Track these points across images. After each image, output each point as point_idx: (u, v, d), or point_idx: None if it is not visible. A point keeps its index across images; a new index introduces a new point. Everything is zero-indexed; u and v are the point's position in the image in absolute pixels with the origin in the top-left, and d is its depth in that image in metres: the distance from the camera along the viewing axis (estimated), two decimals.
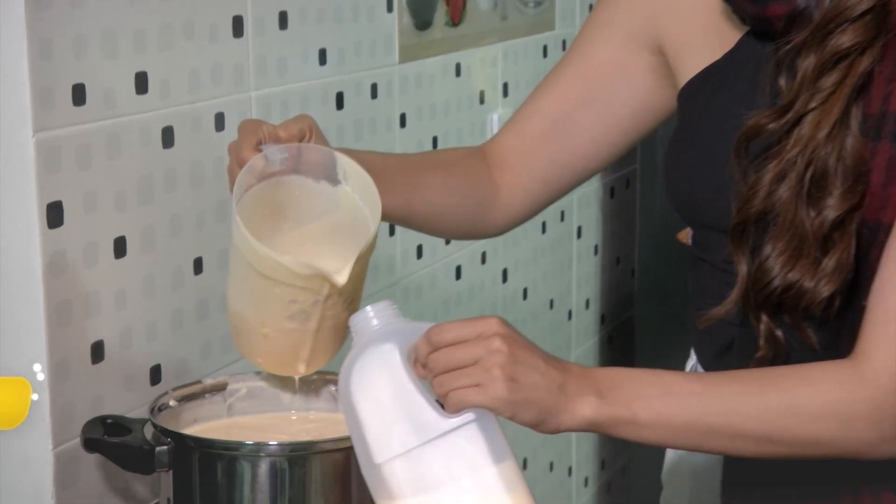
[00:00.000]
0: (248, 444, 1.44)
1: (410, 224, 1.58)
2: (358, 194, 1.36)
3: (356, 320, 1.26)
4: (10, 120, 1.51)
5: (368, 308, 1.27)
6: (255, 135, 1.35)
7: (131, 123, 1.66)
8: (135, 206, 1.67)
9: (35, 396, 1.37)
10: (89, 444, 1.51)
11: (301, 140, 1.37)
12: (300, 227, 1.43)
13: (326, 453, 1.42)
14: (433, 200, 1.52)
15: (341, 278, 1.35)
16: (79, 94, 1.57)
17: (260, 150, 1.37)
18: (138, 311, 1.68)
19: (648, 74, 1.60)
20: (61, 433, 1.56)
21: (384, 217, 1.41)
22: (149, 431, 1.48)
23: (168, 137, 1.72)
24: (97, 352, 1.62)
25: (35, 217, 1.52)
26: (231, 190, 1.39)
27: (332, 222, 1.40)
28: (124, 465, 1.50)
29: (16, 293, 1.54)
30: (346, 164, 1.37)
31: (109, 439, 1.49)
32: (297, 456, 1.43)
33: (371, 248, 1.39)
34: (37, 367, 1.40)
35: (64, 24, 1.54)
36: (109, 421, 1.52)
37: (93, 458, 1.59)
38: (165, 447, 1.45)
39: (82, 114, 1.58)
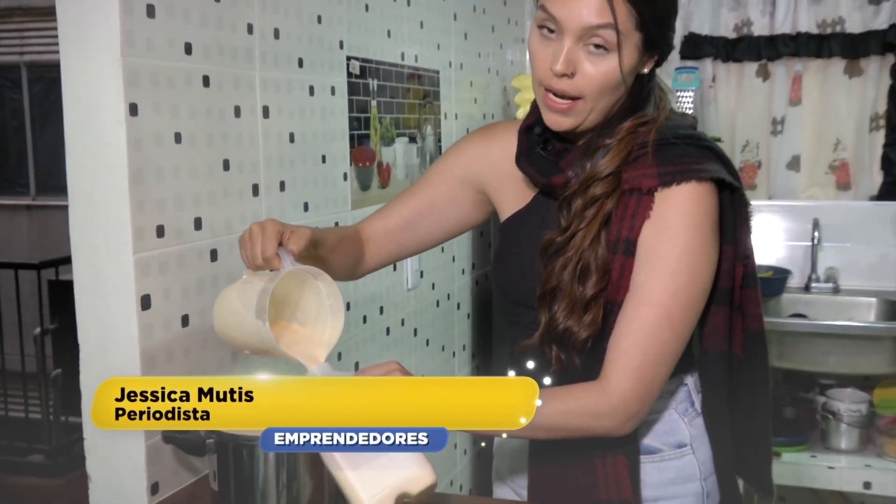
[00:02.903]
0: None
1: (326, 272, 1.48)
2: (325, 291, 1.35)
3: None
4: (120, 247, 1.52)
5: (315, 368, 1.29)
6: (278, 238, 1.31)
7: (192, 248, 1.66)
8: (194, 296, 1.67)
9: None
10: (166, 439, 1.49)
11: (305, 249, 1.34)
12: (289, 302, 1.37)
13: None
14: (339, 261, 1.50)
15: (314, 365, 1.31)
16: (160, 231, 1.58)
17: (276, 253, 1.31)
18: (197, 360, 1.67)
19: (470, 204, 1.61)
20: (150, 433, 1.55)
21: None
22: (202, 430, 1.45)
23: (214, 256, 1.72)
24: None
25: (133, 304, 1.52)
26: (245, 255, 1.33)
27: (308, 303, 1.38)
28: (188, 450, 1.47)
29: (121, 351, 1.53)
30: (326, 278, 1.34)
31: (178, 436, 1.47)
32: None
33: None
34: None
35: (151, 191, 1.55)
36: None
37: (169, 447, 1.59)
38: (212, 440, 1.42)
39: (162, 243, 1.58)
